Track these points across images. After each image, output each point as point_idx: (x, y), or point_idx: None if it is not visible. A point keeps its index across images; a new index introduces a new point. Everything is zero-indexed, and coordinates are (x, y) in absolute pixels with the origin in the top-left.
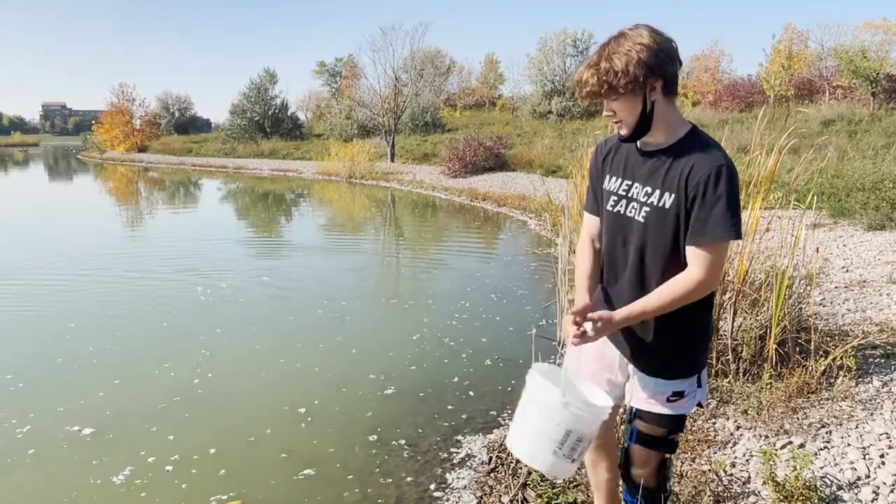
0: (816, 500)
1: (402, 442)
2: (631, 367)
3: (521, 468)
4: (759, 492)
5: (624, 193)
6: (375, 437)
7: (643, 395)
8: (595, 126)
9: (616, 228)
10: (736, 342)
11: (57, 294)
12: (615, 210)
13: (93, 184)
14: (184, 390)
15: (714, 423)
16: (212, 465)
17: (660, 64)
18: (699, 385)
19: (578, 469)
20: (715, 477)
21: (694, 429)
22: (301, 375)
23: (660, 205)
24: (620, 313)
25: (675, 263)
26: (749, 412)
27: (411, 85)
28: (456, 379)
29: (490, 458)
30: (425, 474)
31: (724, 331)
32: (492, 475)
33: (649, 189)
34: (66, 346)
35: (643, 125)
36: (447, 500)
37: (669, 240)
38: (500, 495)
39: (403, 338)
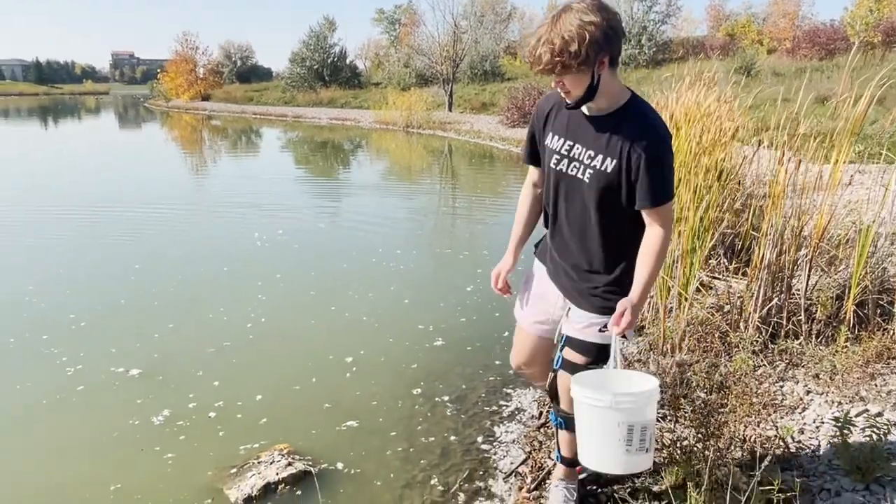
0: (894, 475)
1: (449, 394)
2: (569, 303)
3: None
4: (830, 461)
5: (566, 153)
6: (420, 389)
7: (579, 325)
8: (661, 74)
9: (560, 185)
10: (809, 302)
11: (122, 237)
12: (558, 168)
13: (160, 131)
14: (235, 336)
15: (782, 387)
16: (255, 413)
17: (608, 41)
18: None
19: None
20: (781, 443)
21: (759, 391)
22: (350, 324)
23: (602, 168)
24: (636, 292)
25: (614, 220)
26: (821, 377)
27: (471, 32)
28: (507, 333)
29: (540, 413)
30: (472, 427)
31: (797, 289)
32: (542, 430)
33: (592, 153)
34: (130, 287)
35: (589, 95)
36: (495, 453)
37: (611, 200)
38: (550, 451)
39: (456, 289)
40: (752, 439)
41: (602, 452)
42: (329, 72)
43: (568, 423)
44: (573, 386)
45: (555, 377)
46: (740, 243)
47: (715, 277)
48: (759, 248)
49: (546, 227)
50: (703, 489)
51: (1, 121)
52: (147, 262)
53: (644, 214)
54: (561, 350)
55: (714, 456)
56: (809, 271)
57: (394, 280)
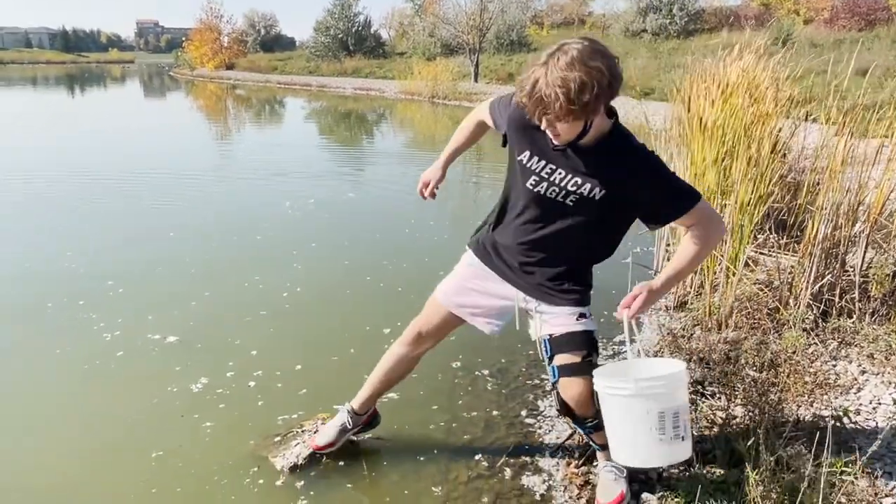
0: None
1: (489, 368)
2: (534, 303)
3: None
4: (890, 444)
5: (546, 177)
6: (459, 363)
7: (556, 322)
8: (694, 46)
9: (533, 205)
10: (864, 279)
11: (155, 205)
12: (535, 190)
13: (186, 100)
14: (271, 304)
15: (834, 366)
16: (294, 383)
17: (612, 91)
18: (590, 314)
19: None
20: (838, 424)
21: (812, 370)
22: (385, 295)
23: (589, 196)
24: (661, 279)
25: (591, 241)
26: (876, 357)
27: (497, 1)
28: None
29: None
30: (515, 400)
31: (852, 265)
32: None
33: (578, 180)
34: (165, 255)
35: (578, 139)
36: (539, 427)
37: (593, 223)
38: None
39: None
40: (805, 419)
41: (636, 445)
42: (353, 41)
43: (596, 425)
44: (596, 380)
45: (556, 391)
46: (791, 218)
47: (763, 253)
48: (813, 223)
49: (494, 227)
50: (761, 469)
51: (31, 89)
52: (180, 230)
53: (684, 224)
54: (551, 361)
55: (770, 435)
56: (866, 247)
57: (427, 251)
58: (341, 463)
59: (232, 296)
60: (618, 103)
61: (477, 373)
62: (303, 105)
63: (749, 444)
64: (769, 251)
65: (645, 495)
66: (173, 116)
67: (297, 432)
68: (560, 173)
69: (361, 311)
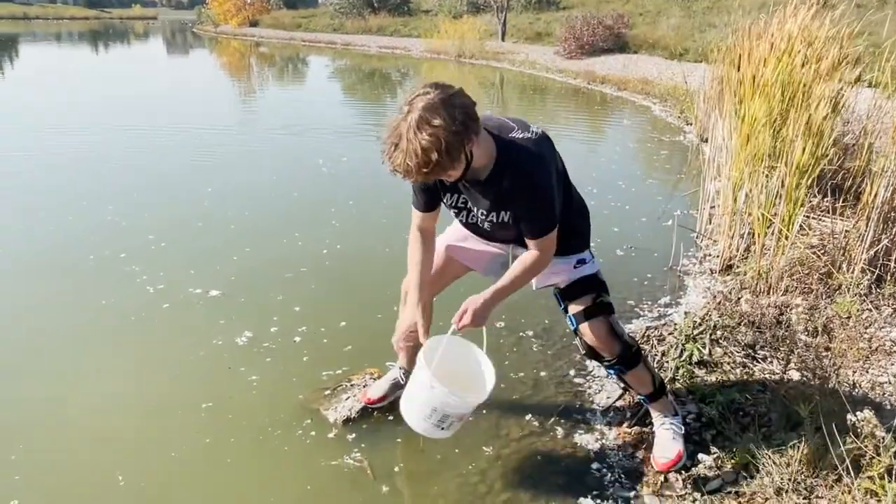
0: None
1: (533, 328)
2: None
3: (666, 361)
4: None
5: (463, 206)
6: (503, 322)
7: (558, 277)
8: (730, 5)
9: (474, 230)
10: None
11: (191, 160)
12: (459, 217)
13: (210, 57)
14: (311, 261)
15: (889, 333)
16: (339, 339)
17: (467, 130)
18: (592, 255)
19: None
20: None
21: (867, 336)
22: None
23: (499, 221)
24: (489, 292)
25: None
26: None
27: None
28: None
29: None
30: (562, 360)
31: None
32: None
33: (484, 211)
34: (205, 210)
35: (467, 171)
36: (589, 387)
37: (515, 234)
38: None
39: None
40: (861, 384)
41: (408, 407)
42: None
43: (628, 362)
44: (425, 345)
45: (579, 337)
46: (847, 181)
47: (816, 217)
48: (872, 186)
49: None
50: (820, 433)
51: (56, 45)
52: (218, 185)
53: (529, 243)
54: (566, 311)
55: (828, 399)
56: None
57: None
58: (391, 417)
59: (272, 252)
60: (648, 64)
61: (521, 333)
62: (327, 63)
63: (809, 407)
64: (823, 215)
65: (700, 456)
66: (199, 74)
67: (347, 386)
68: (471, 205)
69: (402, 270)
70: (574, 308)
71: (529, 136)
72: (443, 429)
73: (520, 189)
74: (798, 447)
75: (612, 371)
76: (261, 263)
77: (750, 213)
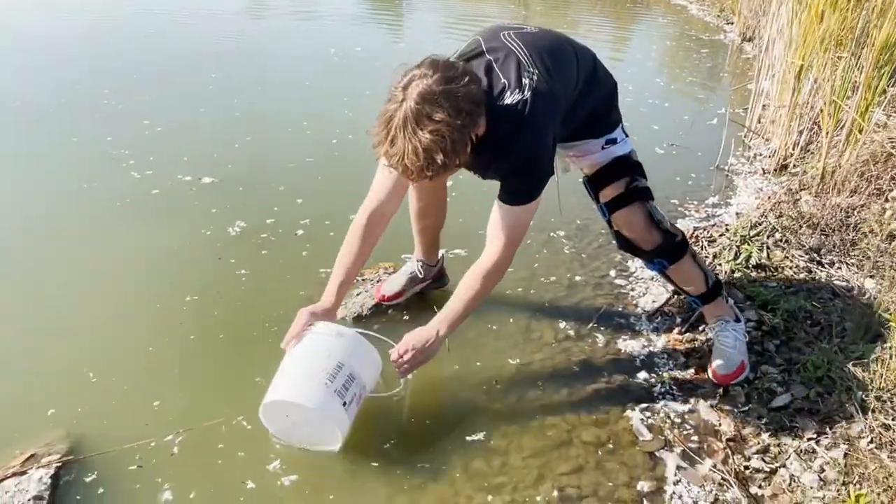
0: None
1: (566, 227)
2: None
3: (718, 265)
4: None
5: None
6: (532, 221)
7: (587, 160)
8: None
9: None
10: None
11: (193, 44)
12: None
13: None
14: (319, 151)
15: None
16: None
17: (473, 120)
18: (625, 134)
19: None
20: None
21: None
22: None
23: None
24: (439, 320)
25: None
26: None
27: None
28: None
29: None
30: (599, 261)
31: None
32: None
33: (476, 175)
34: (209, 96)
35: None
36: (632, 289)
37: None
38: None
39: None
40: None
41: (301, 382)
42: None
43: (672, 253)
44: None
45: (613, 229)
46: None
47: (889, 113)
48: None
49: None
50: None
51: None
52: (224, 71)
53: (493, 219)
54: (597, 200)
55: None
56: None
57: None
58: (407, 317)
59: (276, 141)
60: None
61: (552, 234)
62: None
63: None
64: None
65: (764, 368)
66: None
67: (358, 281)
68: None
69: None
70: (605, 195)
71: (522, 97)
72: (345, 403)
73: (508, 155)
74: (884, 361)
75: (654, 267)
76: (263, 152)
77: (812, 106)
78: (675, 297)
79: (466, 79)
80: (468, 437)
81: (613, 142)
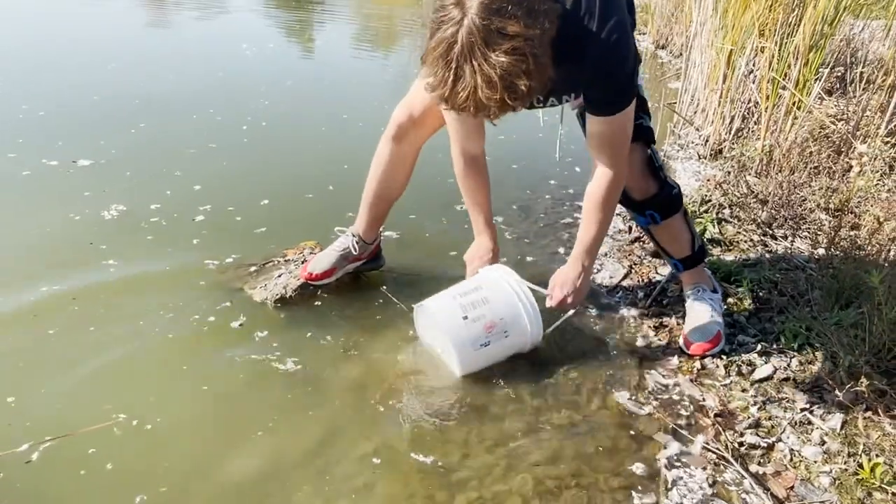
0: None
1: (504, 214)
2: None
3: None
4: None
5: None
6: (460, 206)
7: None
8: None
9: None
10: None
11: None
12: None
13: None
14: (225, 138)
15: None
16: (254, 220)
17: (551, 22)
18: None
19: None
20: None
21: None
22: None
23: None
24: (582, 253)
25: None
26: None
27: None
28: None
29: (629, 228)
30: (547, 239)
31: None
32: (637, 244)
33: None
34: (107, 83)
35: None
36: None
37: None
38: (657, 266)
39: None
40: None
41: (437, 298)
42: None
43: (666, 206)
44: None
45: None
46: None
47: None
48: None
49: None
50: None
51: None
52: (130, 57)
53: (593, 136)
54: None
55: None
56: None
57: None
58: (339, 298)
59: (175, 126)
60: None
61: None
62: None
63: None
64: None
65: (741, 338)
66: None
67: (279, 262)
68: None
69: (340, 148)
70: None
71: None
72: (466, 317)
73: (591, 51)
74: (863, 326)
75: (642, 221)
76: (157, 138)
77: (744, 89)
78: (632, 272)
79: None
80: (418, 429)
81: None
